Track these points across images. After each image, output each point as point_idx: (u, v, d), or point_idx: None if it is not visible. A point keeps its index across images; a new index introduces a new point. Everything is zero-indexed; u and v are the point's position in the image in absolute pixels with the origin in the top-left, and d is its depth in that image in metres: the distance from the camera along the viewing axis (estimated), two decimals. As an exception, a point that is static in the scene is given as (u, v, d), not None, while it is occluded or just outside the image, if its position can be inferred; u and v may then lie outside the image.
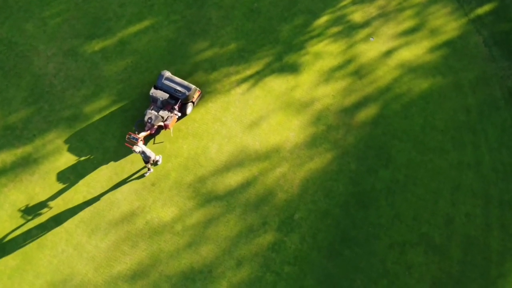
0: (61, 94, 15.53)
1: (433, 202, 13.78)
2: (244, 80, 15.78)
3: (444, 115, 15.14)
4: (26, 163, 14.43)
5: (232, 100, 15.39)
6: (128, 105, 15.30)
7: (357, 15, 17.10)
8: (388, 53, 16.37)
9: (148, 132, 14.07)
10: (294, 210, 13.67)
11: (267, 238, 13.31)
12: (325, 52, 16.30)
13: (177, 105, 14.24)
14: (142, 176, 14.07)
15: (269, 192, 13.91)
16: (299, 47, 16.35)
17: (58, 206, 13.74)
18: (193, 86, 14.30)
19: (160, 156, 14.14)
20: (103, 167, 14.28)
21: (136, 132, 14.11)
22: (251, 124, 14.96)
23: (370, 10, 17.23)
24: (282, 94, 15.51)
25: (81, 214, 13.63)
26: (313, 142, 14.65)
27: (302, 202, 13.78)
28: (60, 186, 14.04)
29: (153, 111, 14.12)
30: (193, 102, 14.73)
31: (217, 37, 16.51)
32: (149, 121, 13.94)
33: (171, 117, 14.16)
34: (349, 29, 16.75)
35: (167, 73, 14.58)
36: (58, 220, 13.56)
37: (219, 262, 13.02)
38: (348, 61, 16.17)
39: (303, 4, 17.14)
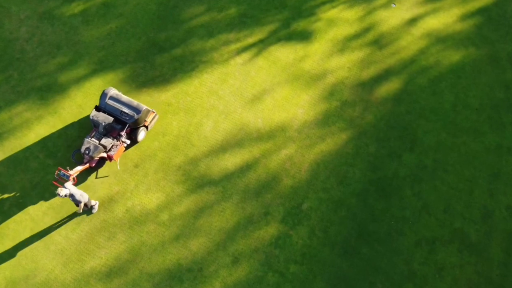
0: (34, 61, 13.42)
1: (467, 192, 11.59)
2: (246, 49, 13.62)
3: (479, 92, 12.94)
4: (-11, 139, 12.34)
5: (231, 71, 13.25)
6: (110, 76, 13.18)
7: (377, -21, 14.88)
8: (413, 21, 14.17)
9: (86, 166, 11.25)
10: (302, 198, 11.52)
11: (269, 231, 11.18)
12: (339, 19, 14.12)
13: (125, 131, 11.38)
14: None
15: (273, 177, 11.76)
16: (310, 13, 14.18)
17: (23, 189, 11.64)
18: (144, 107, 11.39)
19: (97, 202, 11.18)
20: (78, 144, 12.16)
21: (68, 168, 11.02)
22: (252, 99, 12.81)
23: (392, -27, 15.01)
24: (290, 65, 13.34)
25: (50, 199, 11.51)
26: (325, 120, 12.49)
27: (312, 189, 11.62)
28: (27, 165, 11.94)
29: (93, 139, 11.23)
30: (147, 127, 11.86)
31: (215, 1, 14.36)
32: (87, 152, 11.03)
33: (116, 146, 11.29)
34: (368, -6, 14.55)
35: (113, 91, 11.62)
36: (22, 205, 11.46)
37: (212, 259, 10.89)
38: (366, 30, 13.98)
39: (315, -34, 14.93)
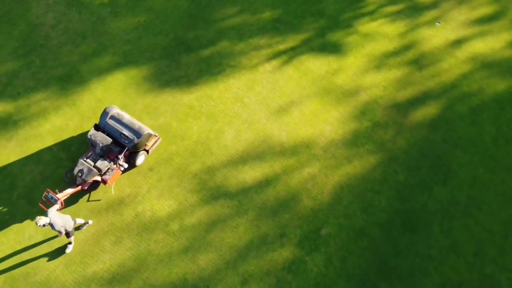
0: (57, 49, 13.00)
1: (502, 236, 10.68)
2: (276, 56, 12.93)
3: (524, 127, 11.96)
4: (4, 125, 11.96)
5: (259, 78, 12.57)
6: (133, 71, 12.67)
7: (423, -6, 13.99)
8: (457, 42, 13.23)
9: (78, 189, 10.54)
10: (322, 223, 10.79)
11: (283, 254, 10.49)
12: (379, 33, 13.29)
13: (123, 154, 10.64)
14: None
15: (292, 196, 11.06)
16: (348, 24, 13.38)
17: (34, 181, 11.23)
18: (146, 131, 10.49)
19: (89, 222, 10.50)
20: (93, 141, 11.67)
21: (58, 191, 10.31)
22: (278, 110, 12.12)
23: (439, -10, 14.10)
24: (321, 77, 12.59)
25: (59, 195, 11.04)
26: (354, 141, 11.71)
27: (333, 214, 10.88)
28: (39, 157, 11.51)
29: (88, 160, 10.45)
30: (147, 151, 11.06)
31: (249, 3, 13.70)
32: (80, 175, 10.31)
33: (112, 170, 10.53)
34: (412, 9, 13.67)
35: (114, 110, 10.74)
36: (31, 198, 11.05)
37: (220, 277, 10.27)
38: (407, 47, 13.12)
39: (357, -26, 14.13)
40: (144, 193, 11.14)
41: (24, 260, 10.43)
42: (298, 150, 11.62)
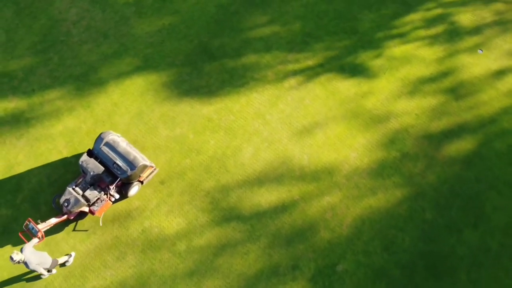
0: (77, 47, 12.53)
1: (536, 292, 9.76)
2: (303, 72, 12.22)
3: None
4: (16, 123, 11.54)
5: (283, 94, 11.88)
6: (152, 77, 12.11)
7: (465, 18, 13.10)
8: (500, 73, 12.31)
9: (63, 218, 9.85)
10: (338, 258, 10.04)
11: (294, 288, 9.78)
12: (415, 57, 12.45)
13: (114, 184, 9.90)
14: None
15: (309, 226, 10.34)
16: (382, 44, 12.59)
17: (40, 184, 10.75)
18: (141, 163, 9.76)
19: (71, 255, 9.76)
20: (105, 147, 11.14)
21: (40, 221, 9.62)
22: (301, 130, 11.41)
23: (484, 14, 13.18)
24: (350, 99, 11.83)
25: (65, 201, 10.53)
26: (380, 171, 10.92)
27: (351, 249, 10.12)
28: (48, 159, 11.04)
29: (76, 188, 9.77)
30: (142, 182, 10.37)
31: (280, 13, 13.02)
32: (66, 204, 9.62)
33: (102, 200, 9.86)
34: (452, 33, 12.80)
35: (111, 136, 9.96)
36: (35, 202, 10.57)
37: (225, 307, 9.62)
38: (444, 74, 12.25)
39: (396, -9, 13.32)
40: (153, 208, 10.56)
41: (22, 268, 9.95)
42: (319, 176, 10.88)
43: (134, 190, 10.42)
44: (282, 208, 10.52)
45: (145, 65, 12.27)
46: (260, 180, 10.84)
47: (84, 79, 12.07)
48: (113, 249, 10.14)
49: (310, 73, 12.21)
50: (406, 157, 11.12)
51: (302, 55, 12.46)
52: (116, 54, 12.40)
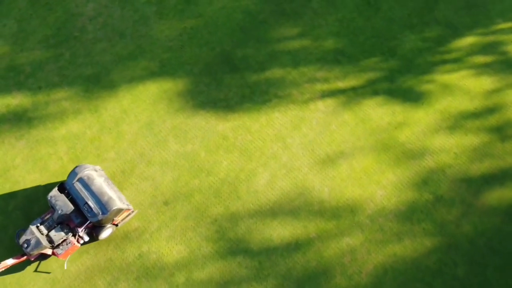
0: (91, 44, 11.66)
1: None
2: (332, 93, 11.08)
3: None
4: (17, 121, 10.73)
5: (308, 117, 10.77)
6: (167, 84, 11.15)
7: (519, 48, 11.74)
8: (554, 115, 10.94)
9: (22, 259, 8.79)
10: (354, 311, 8.89)
11: None
12: (458, 87, 11.18)
13: (84, 227, 8.79)
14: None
15: (324, 269, 9.21)
16: (423, 70, 11.35)
17: (35, 192, 9.91)
18: (115, 207, 8.64)
19: None
20: (109, 157, 10.24)
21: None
22: (325, 159, 10.28)
23: (540, 46, 11.80)
24: (381, 129, 10.64)
25: (60, 213, 9.65)
26: (409, 215, 9.71)
27: (369, 302, 8.95)
28: (47, 165, 10.19)
29: (41, 227, 8.68)
30: (117, 225, 9.28)
31: (312, 26, 11.90)
32: (25, 246, 8.53)
33: (68, 243, 8.71)
34: (503, 64, 11.47)
35: (86, 172, 8.91)
36: (28, 211, 9.73)
37: None
38: (490, 110, 10.95)
39: (442, 12, 12.04)
40: (153, 231, 9.59)
41: (6, 284, 9.10)
42: (339, 214, 9.73)
43: (106, 233, 9.25)
44: (295, 246, 9.42)
45: (161, 71, 11.32)
46: (274, 211, 9.76)
47: (95, 81, 11.20)
48: (105, 273, 9.21)
49: (340, 96, 11.07)
50: (440, 201, 9.88)
51: (332, 75, 11.32)
52: (131, 56, 11.49)
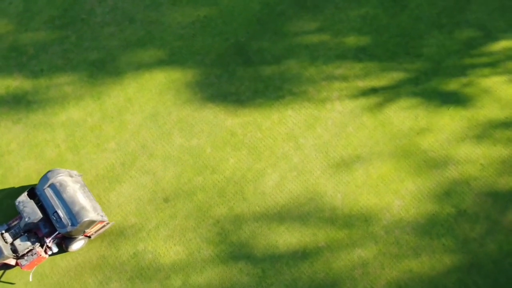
0: (98, 28, 11.08)
1: None
2: (351, 93, 10.33)
3: None
4: (15, 104, 10.20)
5: (323, 117, 10.03)
6: (176, 74, 10.51)
7: (556, 56, 10.84)
8: None
9: None
10: (363, 330, 8.13)
11: None
12: (489, 94, 10.34)
13: (52, 237, 8.03)
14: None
15: (333, 282, 8.47)
16: (451, 73, 10.53)
17: (28, 179, 9.34)
18: (86, 218, 7.80)
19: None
20: (109, 147, 9.63)
21: None
22: (339, 163, 9.53)
23: None
24: (402, 134, 9.86)
25: (54, 203, 9.05)
26: (428, 229, 8.92)
27: (380, 322, 8.19)
28: (43, 152, 9.61)
29: (6, 234, 7.95)
30: (89, 237, 8.46)
31: (333, 21, 11.16)
32: None
33: (33, 254, 7.88)
34: (538, 73, 10.59)
35: (59, 177, 8.10)
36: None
37: None
38: (522, 121, 10.09)
39: (474, 14, 11.21)
40: (151, 229, 8.94)
41: (-9, 276, 8.55)
42: (352, 223, 8.98)
43: (77, 245, 8.50)
44: (302, 255, 8.69)
45: (170, 60, 10.68)
46: (281, 215, 9.04)
47: (100, 66, 10.60)
48: (97, 271, 8.58)
49: (359, 96, 10.31)
50: (463, 216, 9.06)
51: (352, 73, 10.57)
52: (140, 43, 10.88)
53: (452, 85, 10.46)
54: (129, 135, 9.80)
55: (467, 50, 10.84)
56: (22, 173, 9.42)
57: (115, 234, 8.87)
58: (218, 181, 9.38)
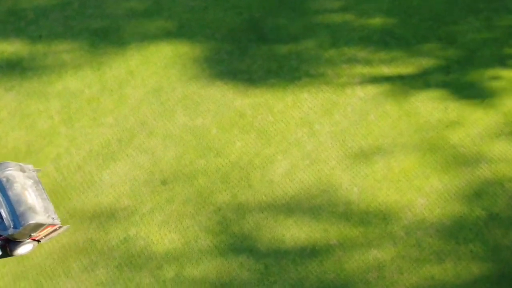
0: (104, -5, 10.31)
1: None
2: (375, 79, 9.38)
3: None
4: (10, 69, 9.53)
5: (342, 102, 9.10)
6: (184, 48, 9.70)
7: None
8: None
9: None
10: None
11: None
12: (528, 88, 9.29)
13: None
14: None
15: (344, 284, 7.60)
16: (487, 63, 9.53)
17: (16, 151, 8.63)
18: (32, 221, 6.98)
19: None
20: (106, 122, 8.83)
21: None
22: (357, 154, 8.59)
23: None
24: (430, 126, 8.88)
25: (45, 183, 8.31)
26: (454, 232, 7.95)
27: (396, 333, 7.24)
28: (35, 123, 8.86)
29: None
30: (38, 241, 7.62)
31: (358, 0, 10.20)
32: None
33: None
34: None
35: (7, 172, 7.25)
36: (5, 172, 8.38)
37: None
38: None
39: (515, 0, 10.15)
40: (145, 213, 8.12)
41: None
42: (369, 220, 8.04)
43: (23, 250, 7.61)
44: (311, 252, 7.79)
45: (178, 33, 9.87)
46: (290, 207, 8.14)
47: (102, 35, 9.84)
48: (82, 255, 7.80)
49: (383, 82, 9.35)
50: (494, 220, 8.06)
51: (376, 57, 9.62)
52: (147, 13, 10.09)
53: (488, 76, 9.44)
54: (128, 110, 9.00)
55: (506, 39, 9.81)
56: (10, 144, 8.69)
57: (105, 216, 8.08)
58: (222, 166, 8.52)
